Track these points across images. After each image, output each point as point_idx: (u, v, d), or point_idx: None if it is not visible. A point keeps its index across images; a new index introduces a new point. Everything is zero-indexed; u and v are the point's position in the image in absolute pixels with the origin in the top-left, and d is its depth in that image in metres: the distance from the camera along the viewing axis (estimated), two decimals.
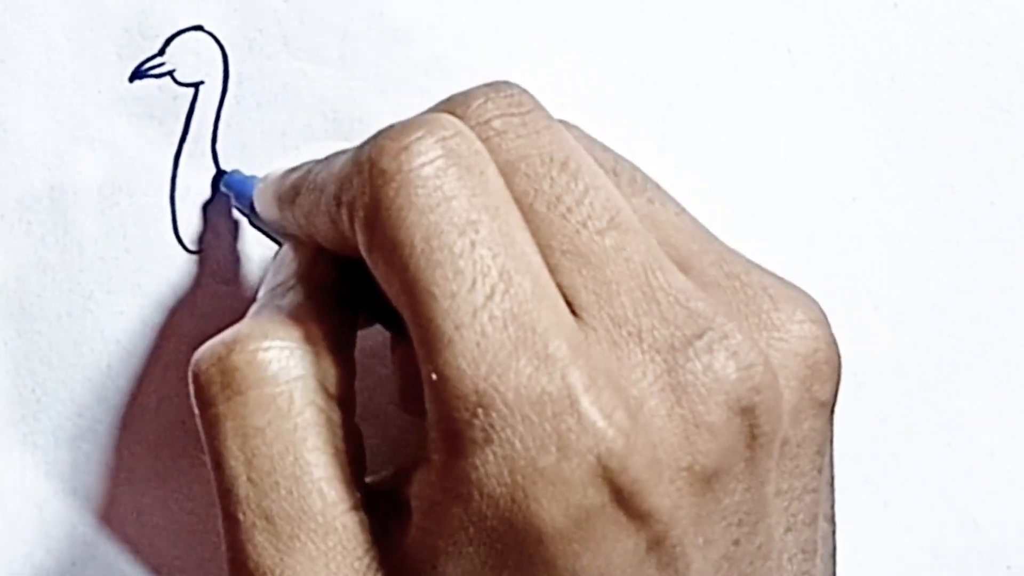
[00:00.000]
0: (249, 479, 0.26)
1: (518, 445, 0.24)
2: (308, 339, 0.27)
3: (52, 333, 0.35)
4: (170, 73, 0.35)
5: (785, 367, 0.27)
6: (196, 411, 0.27)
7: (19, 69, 0.35)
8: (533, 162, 0.26)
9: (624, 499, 0.24)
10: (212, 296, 0.35)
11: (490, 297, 0.24)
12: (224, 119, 0.35)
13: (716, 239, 0.29)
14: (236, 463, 0.26)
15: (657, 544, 0.25)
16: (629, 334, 0.25)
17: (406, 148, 0.25)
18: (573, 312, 0.26)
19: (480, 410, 0.24)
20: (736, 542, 0.26)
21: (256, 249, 0.35)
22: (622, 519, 0.24)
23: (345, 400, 0.28)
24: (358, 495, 0.27)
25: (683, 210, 0.30)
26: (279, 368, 0.26)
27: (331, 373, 0.27)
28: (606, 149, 0.30)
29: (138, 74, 0.35)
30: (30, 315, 0.35)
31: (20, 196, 0.35)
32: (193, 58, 0.35)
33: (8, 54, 0.35)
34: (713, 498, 0.25)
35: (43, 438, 0.35)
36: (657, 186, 0.30)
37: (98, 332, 0.35)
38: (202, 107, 0.35)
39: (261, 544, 0.26)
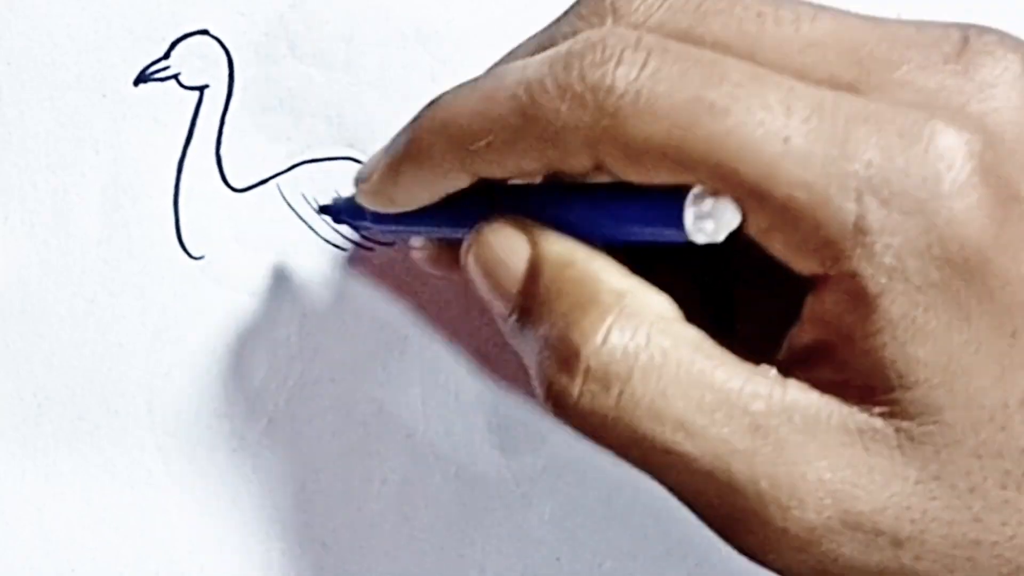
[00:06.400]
0: (694, 440, 0.26)
1: (908, 187, 0.24)
2: (616, 296, 0.27)
3: (54, 336, 0.35)
4: (175, 77, 0.35)
5: None
6: (589, 433, 0.27)
7: (24, 71, 0.35)
8: (714, 3, 0.27)
9: (1016, 190, 0.25)
10: (214, 300, 0.35)
11: (786, 106, 0.25)
12: (229, 123, 0.35)
13: None
14: (674, 437, 0.26)
15: None
16: (909, 71, 0.26)
17: (617, 66, 0.25)
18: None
19: (862, 181, 0.25)
20: None
21: (258, 255, 0.35)
22: None
23: (683, 315, 0.27)
24: (775, 371, 0.27)
25: None
26: (626, 339, 0.26)
27: (657, 302, 0.27)
28: None
29: (143, 78, 0.35)
30: (32, 317, 0.35)
31: (23, 198, 0.35)
32: (198, 62, 0.35)
33: (13, 56, 0.35)
34: None
35: (43, 441, 0.35)
36: None
37: (100, 335, 0.35)
38: (207, 111, 0.35)
39: (761, 464, 0.26)
